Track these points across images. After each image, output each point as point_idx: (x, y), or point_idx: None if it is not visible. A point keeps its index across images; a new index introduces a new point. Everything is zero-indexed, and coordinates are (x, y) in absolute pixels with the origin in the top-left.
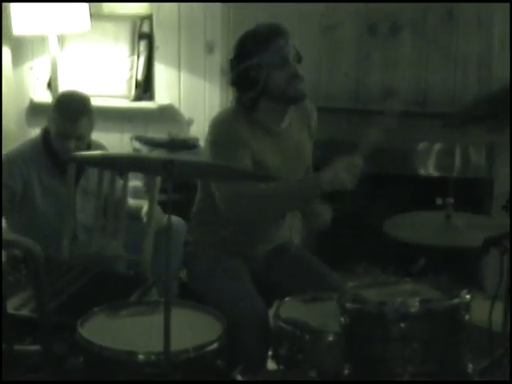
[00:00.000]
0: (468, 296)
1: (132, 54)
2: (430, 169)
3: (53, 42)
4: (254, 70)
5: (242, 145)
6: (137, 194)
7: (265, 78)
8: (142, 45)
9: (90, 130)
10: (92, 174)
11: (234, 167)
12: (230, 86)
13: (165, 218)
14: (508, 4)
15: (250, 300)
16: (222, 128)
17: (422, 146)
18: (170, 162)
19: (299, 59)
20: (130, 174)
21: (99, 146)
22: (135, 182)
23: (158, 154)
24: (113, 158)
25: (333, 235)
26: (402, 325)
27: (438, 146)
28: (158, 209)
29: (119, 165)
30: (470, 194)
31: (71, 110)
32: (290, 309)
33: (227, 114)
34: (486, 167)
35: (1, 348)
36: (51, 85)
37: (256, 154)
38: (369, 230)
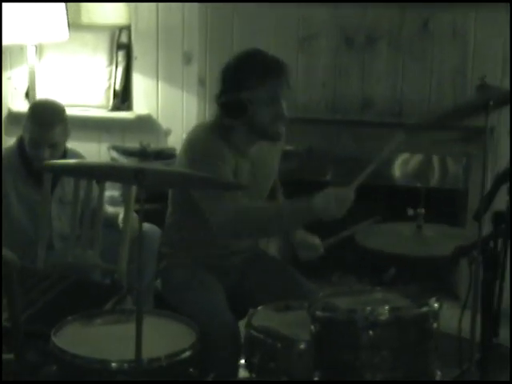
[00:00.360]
0: (436, 304)
1: (110, 64)
2: (406, 179)
3: (31, 52)
4: (243, 103)
5: (221, 160)
6: (113, 203)
7: (252, 112)
8: (121, 55)
9: (65, 138)
10: (68, 182)
11: (205, 176)
12: (217, 107)
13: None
14: (482, 14)
15: (221, 314)
16: (200, 145)
17: (401, 157)
18: (140, 171)
19: (288, 86)
20: (108, 184)
21: (75, 155)
22: (112, 191)
23: (131, 162)
24: (85, 167)
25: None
26: (372, 332)
27: (416, 157)
28: (134, 217)
29: (91, 173)
30: (446, 204)
31: (44, 118)
32: (263, 317)
33: (203, 130)
34: (463, 178)
35: (1, 349)
36: (29, 94)
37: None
38: (344, 240)
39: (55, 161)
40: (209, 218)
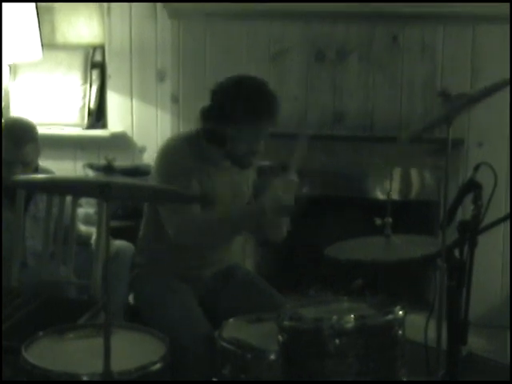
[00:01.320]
0: (401, 312)
1: (85, 82)
2: (378, 192)
3: (4, 72)
4: (226, 138)
5: (189, 174)
6: (88, 221)
7: (230, 143)
8: (95, 74)
9: (36, 156)
10: (41, 200)
11: (172, 189)
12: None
13: (114, 244)
14: (450, 28)
15: (195, 323)
16: (169, 158)
17: (376, 169)
18: (106, 185)
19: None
20: (83, 202)
21: (46, 171)
22: (87, 209)
23: (97, 177)
24: (51, 181)
25: (285, 258)
26: (338, 341)
27: (389, 170)
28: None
29: (58, 187)
30: (421, 216)
31: (15, 136)
32: (234, 329)
33: (175, 143)
34: (437, 190)
35: (1, 349)
36: (2, 114)
37: (204, 184)
38: (320, 254)
39: (23, 176)
40: (166, 228)
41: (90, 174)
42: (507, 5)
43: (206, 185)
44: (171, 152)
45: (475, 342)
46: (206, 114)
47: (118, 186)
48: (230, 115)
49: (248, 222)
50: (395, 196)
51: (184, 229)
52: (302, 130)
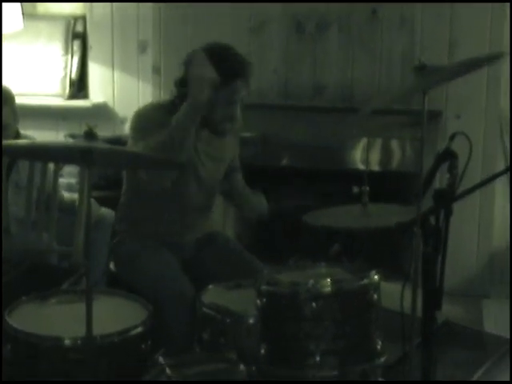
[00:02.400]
0: (376, 276)
1: (66, 53)
2: (359, 163)
3: None
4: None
5: (158, 127)
6: (71, 191)
7: (206, 110)
8: (76, 44)
9: (14, 119)
10: (24, 167)
11: (153, 155)
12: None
13: (99, 210)
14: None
15: (177, 282)
16: (142, 115)
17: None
18: (87, 150)
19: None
20: (66, 171)
21: (28, 139)
22: (70, 179)
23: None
24: (31, 147)
25: (266, 229)
26: (314, 304)
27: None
28: (92, 202)
29: (38, 153)
30: (398, 186)
31: None
32: (213, 295)
33: (151, 105)
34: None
35: (1, 349)
36: None
37: None
38: (299, 224)
39: (4, 141)
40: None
41: None
42: None
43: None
44: (143, 111)
45: (451, 311)
46: (180, 83)
47: (100, 151)
48: None
49: (187, 119)
50: (375, 167)
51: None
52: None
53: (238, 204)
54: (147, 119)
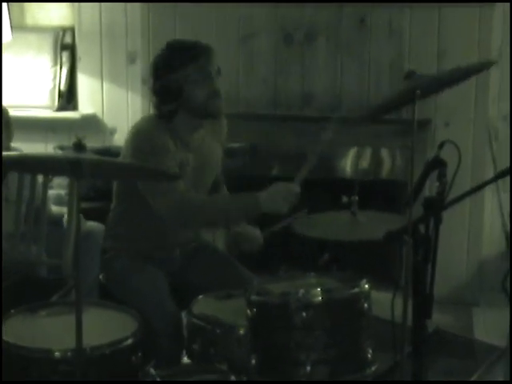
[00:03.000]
0: (367, 286)
1: (55, 64)
2: (348, 172)
3: None
4: (176, 83)
5: (166, 152)
6: (59, 203)
7: (186, 92)
8: (65, 56)
9: (8, 139)
10: (13, 181)
11: (142, 166)
12: (151, 95)
13: (85, 224)
14: (416, 12)
15: (162, 302)
16: (145, 136)
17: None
18: (76, 162)
19: (219, 72)
20: (55, 183)
21: (16, 151)
22: (59, 190)
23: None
24: (21, 158)
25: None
26: (305, 314)
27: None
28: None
29: (27, 165)
30: (388, 195)
31: None
32: (204, 306)
33: (148, 122)
34: (406, 169)
35: (0, 348)
36: None
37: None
38: (290, 233)
39: None
40: (153, 207)
41: None
42: None
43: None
44: (147, 130)
45: (441, 319)
46: (153, 82)
47: (89, 162)
48: (170, 64)
49: (240, 212)
50: (365, 176)
51: (175, 208)
52: (314, 148)
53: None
54: (154, 143)
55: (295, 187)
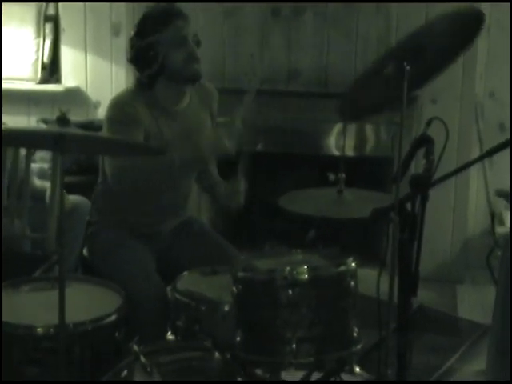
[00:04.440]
0: (353, 263)
1: (38, 36)
2: (333, 148)
3: None
4: (152, 48)
5: (135, 123)
6: (43, 176)
7: (162, 56)
8: (48, 27)
9: None
10: None
11: (127, 141)
12: (129, 64)
13: (69, 199)
14: None
15: (146, 274)
16: (117, 106)
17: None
18: (60, 136)
19: (198, 43)
20: (38, 157)
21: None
22: (42, 164)
23: (51, 128)
24: (3, 132)
25: (241, 214)
26: (291, 291)
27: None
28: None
29: (11, 138)
30: (374, 171)
31: None
32: (188, 282)
33: (125, 93)
34: (391, 146)
35: (1, 348)
36: None
37: (152, 133)
38: (275, 209)
39: None
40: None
41: None
42: None
43: (156, 134)
44: (120, 102)
45: (425, 296)
46: (130, 48)
47: (73, 137)
48: (145, 28)
49: (186, 166)
50: (350, 152)
51: (122, 175)
52: (251, 85)
53: (212, 194)
54: (124, 113)
55: (237, 121)
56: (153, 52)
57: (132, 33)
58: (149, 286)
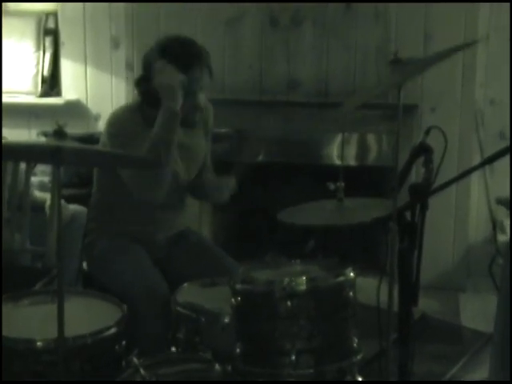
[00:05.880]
0: (352, 274)
1: (38, 49)
2: (334, 158)
3: None
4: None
5: (133, 139)
6: (43, 189)
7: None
8: (48, 41)
9: None
10: None
11: (123, 154)
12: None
13: (69, 210)
14: None
15: (149, 278)
16: (116, 122)
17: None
18: (57, 149)
19: (211, 73)
20: (38, 170)
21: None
22: (42, 177)
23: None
24: (2, 146)
25: (242, 225)
26: (289, 303)
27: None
28: (62, 203)
29: (9, 152)
30: (375, 181)
31: None
32: (188, 293)
33: (125, 110)
34: (392, 155)
35: (1, 347)
36: None
37: None
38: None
39: None
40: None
41: None
42: None
43: None
44: (122, 119)
45: (428, 304)
46: (139, 82)
47: (69, 150)
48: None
49: (166, 128)
50: (352, 161)
51: (146, 187)
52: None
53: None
54: (122, 127)
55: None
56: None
57: (146, 66)
58: (150, 282)
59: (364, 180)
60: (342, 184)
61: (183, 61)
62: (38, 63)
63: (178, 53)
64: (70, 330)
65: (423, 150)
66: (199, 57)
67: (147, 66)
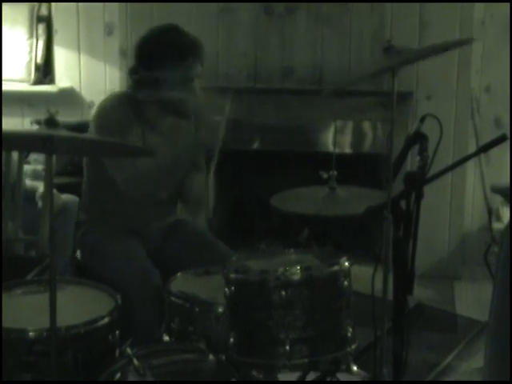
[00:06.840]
0: (347, 263)
1: (31, 37)
2: (329, 145)
3: None
4: (157, 82)
5: (121, 127)
6: (36, 178)
7: (162, 88)
8: (41, 28)
9: None
10: None
11: (115, 142)
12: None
13: (60, 199)
14: None
15: (142, 267)
16: (104, 111)
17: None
18: (48, 138)
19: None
20: (31, 158)
21: None
22: (35, 165)
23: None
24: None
25: (237, 213)
26: (284, 292)
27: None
28: (54, 191)
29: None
30: (370, 169)
31: None
32: (182, 283)
33: (114, 99)
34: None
35: (1, 347)
36: None
37: (136, 137)
38: (270, 208)
39: None
40: (114, 178)
41: None
42: None
43: (139, 139)
44: (109, 108)
45: (423, 293)
46: (133, 70)
47: (61, 138)
48: (155, 59)
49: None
50: (347, 149)
51: (131, 179)
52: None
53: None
54: (109, 118)
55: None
56: (157, 85)
57: (141, 53)
58: (143, 271)
59: (359, 167)
60: (335, 173)
61: (178, 49)
62: (31, 51)
63: (175, 39)
64: (63, 320)
65: (418, 138)
66: (195, 46)
67: (141, 54)
